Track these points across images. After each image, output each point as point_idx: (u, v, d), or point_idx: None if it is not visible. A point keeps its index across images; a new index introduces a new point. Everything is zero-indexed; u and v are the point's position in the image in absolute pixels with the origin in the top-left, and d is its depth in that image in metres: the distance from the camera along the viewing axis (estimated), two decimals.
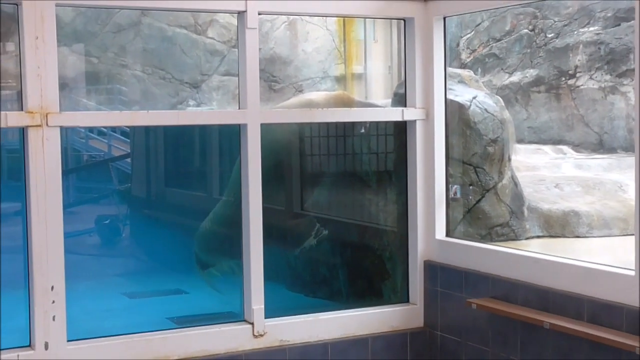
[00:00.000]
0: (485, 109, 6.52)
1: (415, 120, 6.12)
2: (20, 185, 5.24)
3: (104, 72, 8.74)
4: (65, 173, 5.17)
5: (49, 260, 5.10)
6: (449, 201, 6.21)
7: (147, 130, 8.60)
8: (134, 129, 8.54)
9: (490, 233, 6.39)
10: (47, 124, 5.02)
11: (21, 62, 5.02)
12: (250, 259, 5.63)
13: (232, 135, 7.48)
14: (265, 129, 5.69)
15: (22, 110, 5.02)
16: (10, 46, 7.63)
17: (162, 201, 9.06)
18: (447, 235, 6.15)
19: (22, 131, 5.05)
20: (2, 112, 4.95)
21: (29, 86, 4.99)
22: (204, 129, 8.10)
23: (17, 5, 4.96)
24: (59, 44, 5.08)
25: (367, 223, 6.92)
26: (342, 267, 6.94)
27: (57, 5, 5.02)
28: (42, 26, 4.96)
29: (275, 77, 8.61)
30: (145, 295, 7.60)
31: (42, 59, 4.99)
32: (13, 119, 4.98)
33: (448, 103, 6.19)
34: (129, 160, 9.53)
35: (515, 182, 6.64)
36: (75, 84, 8.57)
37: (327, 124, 6.91)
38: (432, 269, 6.07)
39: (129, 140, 9.50)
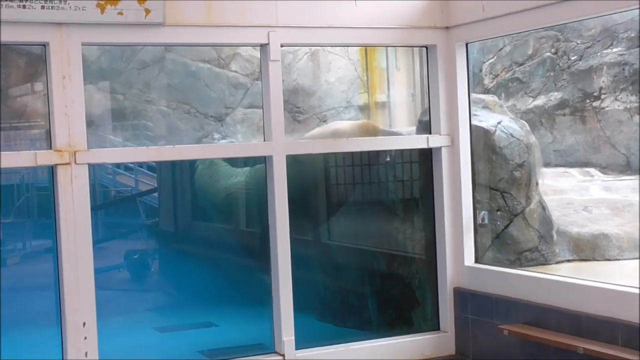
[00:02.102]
0: (511, 134, 6.50)
1: (440, 147, 6.13)
2: (50, 223, 5.29)
3: (130, 109, 8.81)
4: (94, 209, 5.21)
5: (80, 296, 5.14)
6: (476, 227, 6.19)
7: (174, 164, 8.65)
8: (160, 163, 8.60)
9: (520, 258, 6.35)
10: (75, 162, 5.08)
11: (49, 101, 5.10)
12: (279, 290, 5.64)
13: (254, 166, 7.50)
14: (290, 159, 5.72)
15: (50, 148, 5.08)
16: (39, 86, 7.74)
17: (190, 234, 9.08)
18: (476, 261, 6.13)
19: (52, 169, 5.11)
20: (32, 152, 5.03)
21: (57, 125, 5.06)
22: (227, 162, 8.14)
23: (44, 46, 5.04)
24: (85, 82, 5.16)
25: (395, 251, 6.91)
26: (371, 296, 6.92)
27: (82, 44, 5.09)
28: (69, 66, 5.04)
29: (298, 108, 8.64)
30: (175, 329, 7.60)
31: (70, 97, 5.06)
32: (42, 157, 5.04)
33: (473, 129, 6.19)
34: (156, 194, 9.57)
35: (543, 206, 6.60)
36: (102, 121, 8.65)
37: (352, 153, 6.93)
38: (462, 296, 6.03)
39: (155, 175, 9.55)
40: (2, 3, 4.79)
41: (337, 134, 7.14)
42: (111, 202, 10.03)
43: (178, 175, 8.95)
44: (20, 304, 7.80)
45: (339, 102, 8.76)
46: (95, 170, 8.38)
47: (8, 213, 8.66)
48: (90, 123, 5.25)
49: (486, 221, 6.32)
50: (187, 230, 9.06)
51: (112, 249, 9.18)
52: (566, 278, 5.48)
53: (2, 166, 5.06)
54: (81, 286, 5.13)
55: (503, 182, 6.43)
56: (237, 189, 8.07)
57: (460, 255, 6.10)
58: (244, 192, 8.05)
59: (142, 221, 9.57)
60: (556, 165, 9.06)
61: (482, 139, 6.37)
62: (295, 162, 5.83)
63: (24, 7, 4.85)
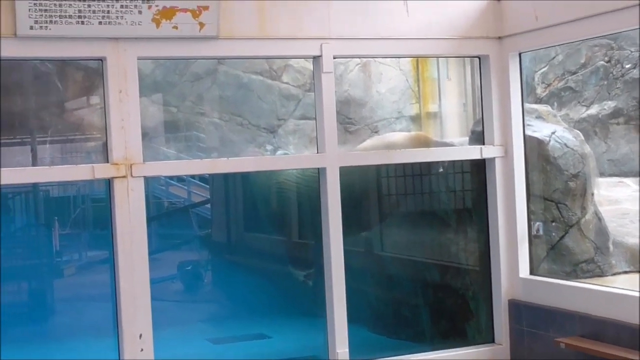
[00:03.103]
0: (565, 144, 6.43)
1: (494, 158, 6.08)
2: (105, 234, 5.36)
3: (183, 121, 8.90)
4: (147, 220, 5.25)
5: (137, 308, 5.18)
6: (531, 238, 6.13)
7: (226, 175, 8.71)
8: (212, 175, 8.66)
9: (576, 270, 6.27)
10: (131, 175, 5.13)
11: (106, 115, 5.17)
12: (333, 302, 5.63)
13: (308, 179, 7.52)
14: (342, 170, 5.72)
15: (107, 161, 5.14)
16: (95, 99, 7.85)
17: (242, 246, 9.11)
18: (531, 273, 6.06)
19: (108, 182, 5.17)
20: (90, 165, 5.10)
21: (114, 138, 5.12)
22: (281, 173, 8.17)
23: (101, 60, 5.11)
24: (139, 96, 5.21)
25: (448, 262, 6.86)
26: (424, 307, 6.87)
27: (138, 59, 5.15)
28: (125, 80, 5.10)
29: (350, 119, 8.64)
30: (229, 341, 7.63)
31: (126, 111, 5.12)
32: (100, 171, 5.11)
33: (527, 139, 6.13)
34: (208, 206, 9.63)
35: (599, 217, 6.51)
36: (155, 133, 8.74)
37: (404, 163, 6.91)
38: (517, 308, 5.97)
39: (208, 186, 9.61)
40: (62, 20, 4.87)
41: (389, 147, 7.13)
42: (164, 214, 10.12)
43: (230, 187, 9.00)
44: (76, 314, 7.90)
45: (390, 113, 8.75)
46: (148, 181, 8.48)
47: (65, 224, 8.78)
48: (144, 135, 5.31)
49: (541, 232, 6.25)
50: (240, 241, 9.10)
51: (165, 260, 9.26)
52: (623, 290, 5.39)
53: (61, 179, 5.16)
54: (137, 297, 5.18)
55: (558, 193, 6.36)
56: (289, 181, 8.09)
57: (514, 266, 6.04)
58: (295, 186, 8.06)
59: (195, 232, 9.64)
60: (610, 175, 8.93)
61: (536, 149, 6.31)
62: (346, 173, 5.82)
63: (82, 23, 4.92)
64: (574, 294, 5.59)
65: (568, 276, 6.22)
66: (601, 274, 6.30)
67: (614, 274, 6.38)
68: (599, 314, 5.31)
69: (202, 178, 9.61)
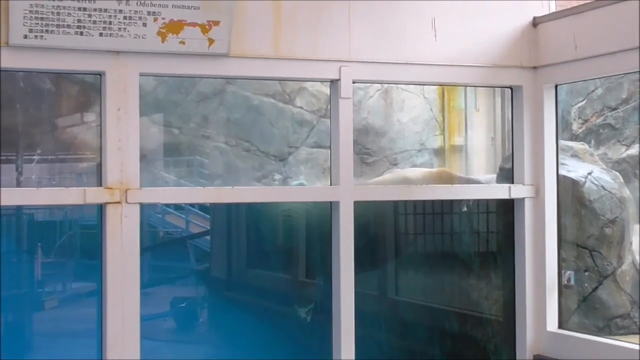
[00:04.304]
0: (602, 186, 6.43)
1: (523, 198, 6.08)
2: (93, 264, 5.37)
3: (185, 144, 8.91)
4: (141, 251, 5.26)
5: (124, 347, 5.18)
6: (561, 288, 6.11)
7: (229, 204, 8.71)
8: (214, 204, 8.66)
9: (609, 325, 6.24)
10: (126, 201, 5.15)
11: (102, 134, 5.19)
12: (340, 349, 5.62)
13: (319, 213, 7.53)
14: (357, 205, 5.73)
15: (100, 185, 5.16)
16: (90, 117, 7.88)
17: (243, 283, 9.08)
18: (560, 326, 6.04)
19: (100, 207, 5.19)
20: (81, 188, 5.11)
21: (109, 160, 5.14)
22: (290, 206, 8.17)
23: (100, 75, 5.15)
24: (139, 115, 5.24)
25: (468, 311, 6.84)
26: (441, 358, 6.84)
27: (140, 75, 5.19)
28: (125, 97, 5.13)
29: (368, 149, 8.65)
30: None
31: (124, 131, 5.15)
32: (92, 195, 5.13)
33: (560, 179, 6.13)
34: (208, 237, 9.62)
35: (636, 268, 6.49)
36: (153, 156, 8.75)
37: (423, 200, 6.91)
38: None
39: (208, 216, 9.60)
40: (59, 30, 4.91)
41: (409, 183, 7.13)
42: (159, 244, 10.11)
43: (233, 217, 8.99)
44: (56, 352, 7.87)
45: (411, 144, 8.75)
46: (144, 209, 8.49)
47: (49, 252, 8.76)
48: (142, 158, 5.33)
49: (572, 282, 6.23)
50: (241, 278, 9.08)
51: (157, 295, 9.24)
52: None
53: (49, 203, 5.17)
54: (126, 335, 5.18)
55: (592, 240, 6.34)
56: (298, 210, 8.10)
57: (542, 319, 6.02)
58: (304, 216, 8.06)
59: (192, 266, 9.61)
60: None
61: (569, 191, 6.31)
62: (361, 207, 5.83)
63: (82, 33, 4.96)
64: (606, 351, 5.55)
65: (601, 332, 6.19)
66: (638, 332, 6.27)
67: None
68: None
69: (202, 207, 9.61)
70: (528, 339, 6.05)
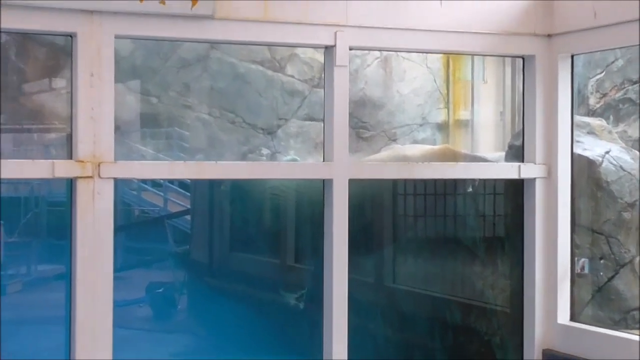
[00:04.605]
0: (621, 166, 6.43)
1: (534, 179, 6.07)
2: (62, 245, 5.35)
3: (164, 114, 8.90)
4: (115, 231, 5.25)
5: (96, 335, 5.16)
6: (574, 277, 6.12)
7: (211, 181, 8.70)
8: (195, 181, 8.65)
9: (626, 318, 6.27)
10: (99, 175, 5.12)
11: (72, 102, 5.15)
12: (332, 341, 5.61)
13: (311, 191, 7.53)
14: (352, 184, 5.72)
15: (71, 158, 5.13)
16: (60, 83, 7.85)
17: (226, 268, 9.11)
18: (572, 319, 6.05)
19: (70, 182, 5.16)
20: (49, 161, 5.08)
21: (81, 130, 5.10)
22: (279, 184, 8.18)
23: (71, 36, 5.11)
24: (114, 81, 5.21)
25: (472, 301, 6.87)
26: (442, 352, 6.88)
27: (116, 37, 5.15)
28: (99, 61, 5.09)
29: (364, 123, 8.65)
30: None
31: (97, 99, 5.11)
32: (61, 168, 5.09)
33: (575, 158, 6.13)
34: (188, 217, 9.62)
35: None
36: (129, 127, 8.74)
37: (425, 180, 6.91)
38: None
39: (188, 194, 9.61)
40: None
41: (409, 161, 7.14)
42: (134, 224, 10.11)
43: (216, 195, 9.01)
44: (20, 341, 7.88)
45: (412, 118, 8.76)
46: (119, 185, 8.47)
47: (12, 231, 8.75)
48: (116, 129, 5.30)
49: (586, 271, 6.24)
50: (224, 262, 9.10)
51: (132, 280, 9.25)
52: None
53: (13, 176, 5.13)
54: (97, 323, 5.16)
55: (609, 225, 6.36)
56: (286, 189, 8.11)
57: (552, 310, 6.02)
58: (294, 195, 8.07)
59: (170, 248, 9.63)
60: None
61: (585, 171, 6.31)
62: (356, 187, 5.82)
63: None
64: (622, 346, 5.56)
65: (616, 325, 6.21)
66: None
67: None
68: None
69: (182, 184, 9.61)
70: (537, 332, 6.06)
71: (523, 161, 6.13)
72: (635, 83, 9.06)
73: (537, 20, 6.00)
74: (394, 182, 7.31)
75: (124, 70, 8.30)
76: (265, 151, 8.84)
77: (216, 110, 8.87)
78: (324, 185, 5.69)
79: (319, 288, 5.77)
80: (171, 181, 9.51)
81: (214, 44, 8.24)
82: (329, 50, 5.62)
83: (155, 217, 9.93)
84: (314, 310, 5.95)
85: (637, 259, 6.39)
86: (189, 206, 9.61)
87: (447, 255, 7.15)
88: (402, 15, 5.71)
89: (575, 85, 6.21)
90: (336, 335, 5.61)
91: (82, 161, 5.10)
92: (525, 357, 6.15)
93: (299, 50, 8.74)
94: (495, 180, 6.59)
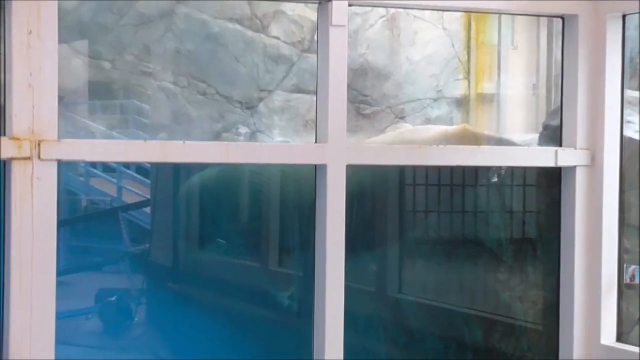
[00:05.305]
0: None
1: (574, 167, 6.05)
2: None
3: (119, 82, 8.89)
4: (57, 226, 5.24)
5: (34, 352, 5.14)
6: (622, 289, 6.12)
7: (177, 166, 8.70)
8: (157, 165, 8.65)
9: None
10: (39, 157, 5.09)
11: (5, 66, 5.12)
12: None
13: (300, 178, 7.52)
14: (350, 171, 5.70)
15: (3, 134, 5.10)
16: None
17: (195, 272, 9.13)
18: (619, 339, 6.05)
19: (4, 165, 5.13)
20: None
21: (16, 101, 5.07)
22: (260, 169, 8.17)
23: None
24: (58, 42, 5.18)
25: (497, 316, 6.89)
26: None
27: None
28: (38, 17, 5.05)
29: (366, 96, 8.67)
30: None
31: (36, 62, 5.07)
32: None
33: (625, 142, 6.12)
34: (147, 210, 9.63)
35: None
36: (75, 99, 8.73)
37: (439, 167, 6.91)
38: None
39: (148, 182, 9.61)
40: None
41: (420, 143, 7.15)
42: (81, 217, 10.12)
43: (182, 182, 9.01)
44: None
45: (425, 92, 8.78)
46: (63, 169, 8.45)
47: None
48: (60, 100, 5.28)
49: (637, 281, 6.25)
50: (191, 266, 9.13)
51: (78, 286, 9.26)
52: None
53: None
54: (36, 337, 5.14)
55: None
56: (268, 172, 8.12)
57: (595, 328, 6.03)
58: (278, 181, 8.07)
59: (125, 247, 9.65)
60: None
61: (637, 158, 6.31)
62: (354, 174, 5.81)
63: None
64: None
65: None
66: None
67: None
68: None
69: (140, 168, 9.61)
70: (575, 354, 6.05)
71: (561, 145, 6.12)
72: None
73: None
74: (402, 170, 7.31)
75: (69, 28, 8.29)
76: (243, 130, 8.86)
77: (183, 79, 8.88)
78: (316, 173, 5.67)
79: (308, 298, 5.76)
80: (127, 165, 9.51)
81: None
82: (323, 5, 5.59)
83: (106, 209, 9.94)
84: (302, 325, 5.95)
85: None
86: (148, 196, 9.61)
87: (466, 260, 7.16)
88: None
89: (627, 52, 6.20)
90: (330, 354, 5.60)
91: (18, 138, 5.06)
92: None
93: (286, 6, 8.76)
94: (525, 168, 6.59)
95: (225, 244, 8.95)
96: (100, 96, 8.95)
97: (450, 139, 7.55)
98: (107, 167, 9.67)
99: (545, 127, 6.68)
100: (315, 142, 5.69)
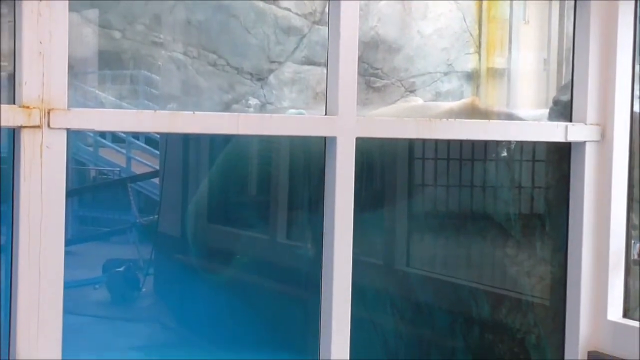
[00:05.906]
0: None
1: (584, 142, 6.05)
2: (3, 210, 5.34)
3: (129, 53, 8.89)
4: (66, 195, 5.25)
5: (42, 321, 5.15)
6: (629, 265, 6.11)
7: (186, 137, 8.71)
8: (167, 136, 8.65)
9: None
10: (48, 125, 5.09)
11: (16, 34, 5.12)
12: (331, 335, 5.61)
13: (308, 150, 7.52)
14: (359, 144, 5.70)
15: (13, 102, 5.11)
16: (1, 9, 7.82)
17: (203, 244, 9.13)
18: (625, 315, 6.05)
19: (13, 133, 5.14)
20: None
21: (26, 69, 5.06)
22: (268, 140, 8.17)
23: None
24: (68, 10, 5.18)
25: (504, 290, 6.89)
26: (465, 352, 6.90)
27: None
28: None
29: (376, 69, 8.65)
30: None
31: (47, 30, 5.07)
32: (1, 115, 5.07)
33: (635, 118, 6.11)
34: (156, 181, 9.63)
35: None
36: (85, 68, 8.75)
37: (449, 141, 6.90)
38: None
39: (157, 152, 9.62)
40: None
41: (430, 116, 7.14)
42: (90, 187, 10.14)
43: (192, 155, 9.02)
44: None
45: (435, 66, 8.76)
46: (72, 138, 8.45)
47: None
48: (70, 69, 5.28)
49: None
50: (200, 237, 9.12)
51: (86, 256, 9.29)
52: None
53: None
54: (43, 307, 5.14)
55: None
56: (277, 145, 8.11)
57: (602, 304, 6.02)
58: (287, 152, 8.07)
59: (134, 218, 9.67)
60: None
61: None
62: (363, 147, 5.81)
63: None
64: None
65: None
66: None
67: None
68: None
69: (149, 139, 9.63)
70: (582, 330, 6.06)
71: (571, 120, 6.11)
72: None
73: None
74: (411, 143, 7.30)
75: None
76: (253, 101, 8.85)
77: (193, 50, 8.87)
78: (326, 145, 5.66)
79: (315, 271, 5.76)
80: (136, 136, 9.53)
81: None
82: None
83: (115, 179, 9.97)
84: (309, 298, 5.96)
85: None
86: (157, 167, 9.62)
87: (474, 235, 7.16)
88: None
89: (639, 27, 6.19)
90: (336, 327, 5.60)
91: (28, 107, 5.06)
92: (566, 359, 6.16)
93: None
94: (535, 143, 6.57)
95: (235, 217, 8.96)
96: (110, 66, 8.96)
97: (461, 112, 7.54)
98: (116, 138, 9.70)
99: (556, 102, 6.66)
100: (325, 114, 5.69)
